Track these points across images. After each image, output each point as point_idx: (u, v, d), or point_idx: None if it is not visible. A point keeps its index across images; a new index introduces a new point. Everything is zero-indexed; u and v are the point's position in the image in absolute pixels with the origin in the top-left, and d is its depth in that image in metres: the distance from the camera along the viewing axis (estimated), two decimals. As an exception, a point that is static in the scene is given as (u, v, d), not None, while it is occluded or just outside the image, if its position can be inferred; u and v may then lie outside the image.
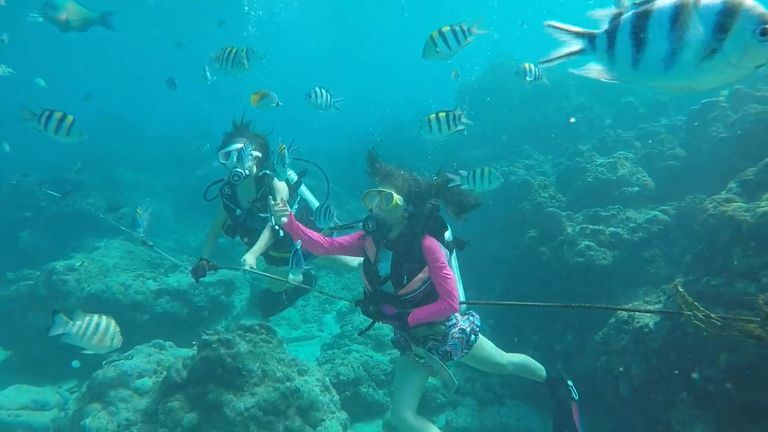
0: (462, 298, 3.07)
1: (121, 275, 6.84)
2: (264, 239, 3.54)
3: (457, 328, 2.91)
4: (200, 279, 3.75)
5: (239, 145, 3.66)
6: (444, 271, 2.74)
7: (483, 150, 10.57)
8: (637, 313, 4.35)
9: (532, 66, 4.39)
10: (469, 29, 3.30)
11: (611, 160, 6.73)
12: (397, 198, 2.81)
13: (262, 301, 4.89)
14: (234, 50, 4.01)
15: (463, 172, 3.42)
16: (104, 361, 4.85)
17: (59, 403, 5.31)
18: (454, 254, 3.09)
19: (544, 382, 3.55)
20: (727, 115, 6.03)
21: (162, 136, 19.98)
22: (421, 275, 2.80)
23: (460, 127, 3.51)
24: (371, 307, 2.87)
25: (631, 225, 5.56)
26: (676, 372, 3.38)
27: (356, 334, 3.84)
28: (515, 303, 3.64)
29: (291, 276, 3.01)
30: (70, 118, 3.23)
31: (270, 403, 4.30)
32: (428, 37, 3.27)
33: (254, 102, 3.90)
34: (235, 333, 4.94)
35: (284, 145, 3.31)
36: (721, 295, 3.21)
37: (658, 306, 4.34)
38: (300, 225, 3.13)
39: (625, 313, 4.42)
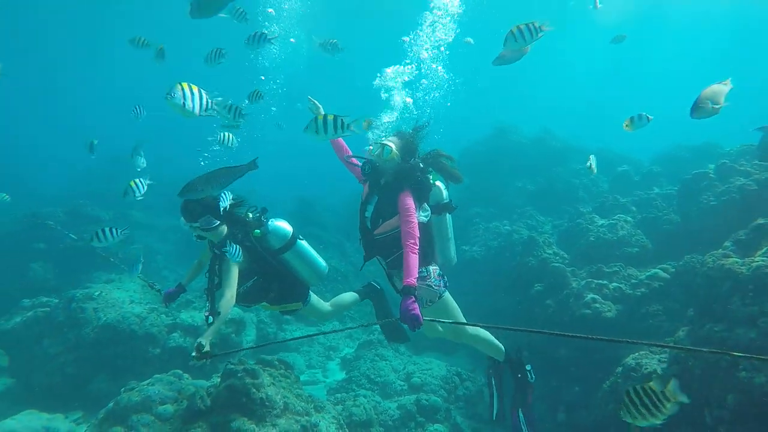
0: (453, 255, 3.63)
1: (135, 308, 6.95)
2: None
3: (425, 283, 3.34)
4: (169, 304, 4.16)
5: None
6: (409, 218, 3.14)
7: (485, 209, 11.09)
8: (644, 360, 4.61)
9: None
10: (348, 125, 3.53)
11: (612, 221, 7.22)
12: (395, 153, 3.28)
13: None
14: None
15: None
16: (123, 388, 4.92)
17: (69, 431, 5.27)
18: (448, 216, 3.57)
19: (503, 360, 3.91)
20: (715, 185, 6.62)
21: (157, 177, 20.43)
22: (392, 222, 3.28)
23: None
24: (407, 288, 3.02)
25: (633, 281, 5.94)
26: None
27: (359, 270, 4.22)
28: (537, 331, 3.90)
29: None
30: None
31: (291, 435, 4.38)
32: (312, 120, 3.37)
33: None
34: (256, 366, 5.07)
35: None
36: (725, 340, 3.53)
37: (663, 356, 4.61)
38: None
39: (632, 361, 4.68)
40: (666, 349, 4.82)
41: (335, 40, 4.57)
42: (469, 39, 8.07)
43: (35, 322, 6.45)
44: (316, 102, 4.04)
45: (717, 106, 3.14)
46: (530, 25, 3.65)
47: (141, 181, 4.28)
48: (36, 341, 6.30)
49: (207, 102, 3.13)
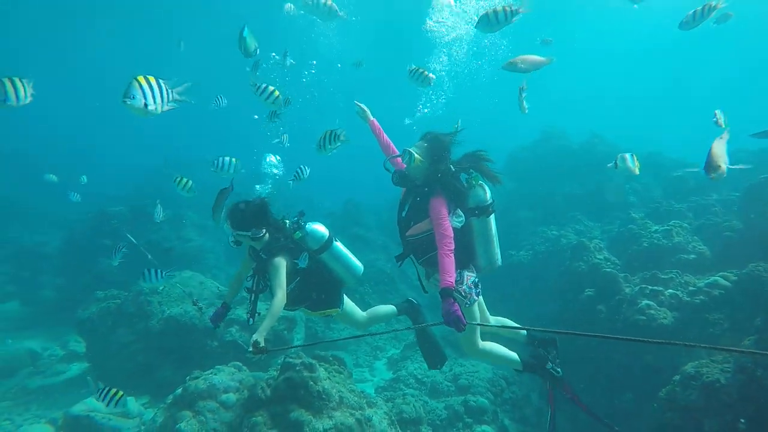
0: (497, 258, 3.53)
1: (196, 302, 7.36)
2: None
3: (456, 288, 3.19)
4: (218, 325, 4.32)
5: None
6: (441, 221, 3.13)
7: (533, 212, 10.98)
8: (704, 369, 4.49)
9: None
10: (338, 136, 4.06)
11: (666, 227, 7.02)
12: (419, 159, 3.28)
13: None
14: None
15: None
16: (188, 377, 5.25)
17: (139, 413, 5.68)
18: (491, 218, 3.46)
19: (522, 369, 3.79)
20: (784, 191, 6.34)
21: (212, 177, 21.45)
22: (422, 225, 3.29)
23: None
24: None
25: (691, 288, 5.76)
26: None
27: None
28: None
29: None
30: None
31: (347, 427, 4.55)
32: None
33: None
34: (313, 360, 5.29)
35: None
36: (796, 349, 3.42)
37: (727, 366, 4.47)
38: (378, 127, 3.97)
39: (691, 369, 4.56)
40: (730, 357, 4.68)
41: (424, 70, 4.70)
42: (549, 39, 8.00)
43: (108, 313, 6.97)
44: (362, 106, 4.13)
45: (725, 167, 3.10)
46: (506, 8, 3.62)
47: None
48: (110, 330, 6.81)
49: (169, 94, 2.83)
